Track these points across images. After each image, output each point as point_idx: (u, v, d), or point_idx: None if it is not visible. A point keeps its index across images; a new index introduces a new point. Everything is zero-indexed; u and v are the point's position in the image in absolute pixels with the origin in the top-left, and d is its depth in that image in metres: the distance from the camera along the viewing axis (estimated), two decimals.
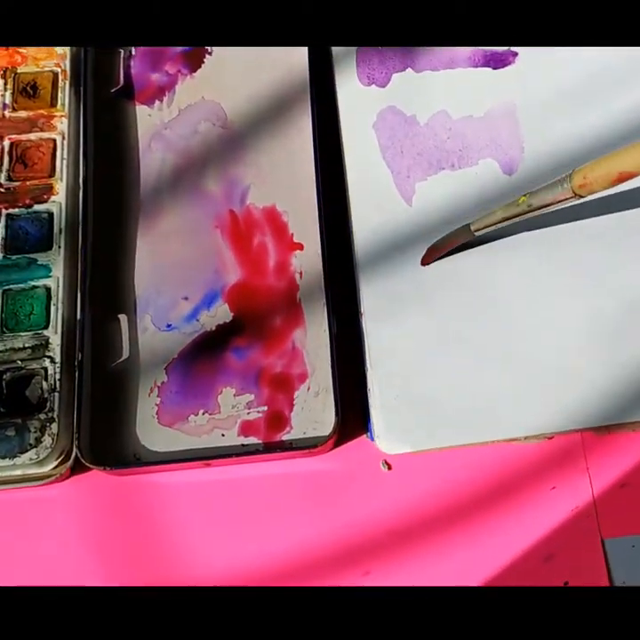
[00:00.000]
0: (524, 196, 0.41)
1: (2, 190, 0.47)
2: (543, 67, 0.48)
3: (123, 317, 0.46)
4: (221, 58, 0.51)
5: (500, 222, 0.42)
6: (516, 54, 0.48)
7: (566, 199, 0.40)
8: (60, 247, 0.46)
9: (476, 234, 0.43)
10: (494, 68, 0.48)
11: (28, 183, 0.47)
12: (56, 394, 0.43)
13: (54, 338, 0.44)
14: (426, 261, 0.45)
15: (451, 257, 0.45)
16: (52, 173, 0.48)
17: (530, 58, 0.48)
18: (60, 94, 0.49)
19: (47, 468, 0.43)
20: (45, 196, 0.47)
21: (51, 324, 0.45)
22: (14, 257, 0.46)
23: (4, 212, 0.46)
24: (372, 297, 0.44)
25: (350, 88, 0.49)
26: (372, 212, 0.46)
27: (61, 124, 0.48)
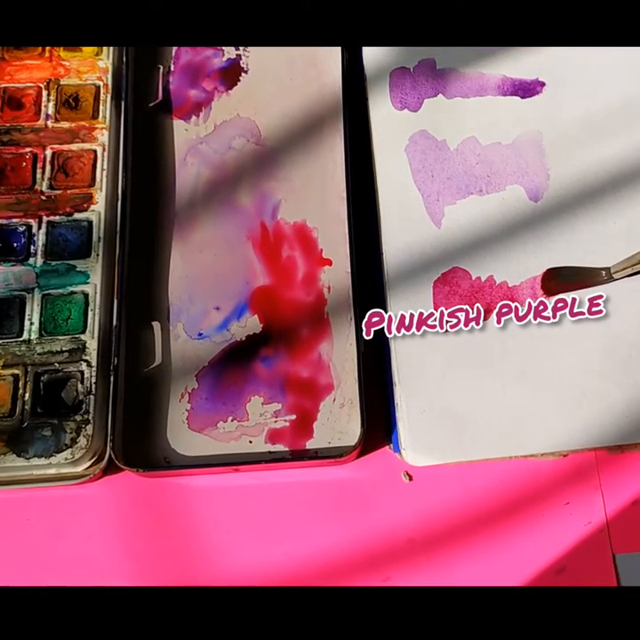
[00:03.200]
0: None
1: (43, 198, 0.49)
2: (569, 97, 0.50)
3: (156, 325, 0.48)
4: (257, 76, 0.53)
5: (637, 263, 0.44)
6: (543, 84, 0.50)
7: None
8: (98, 255, 0.47)
9: (615, 276, 0.45)
10: (522, 98, 0.50)
11: (68, 192, 0.49)
12: (91, 396, 0.45)
13: (91, 342, 0.46)
14: (552, 292, 0.46)
15: None
16: (92, 183, 0.49)
17: (556, 88, 0.50)
18: (101, 107, 0.51)
19: (81, 468, 0.44)
20: (85, 205, 0.49)
21: (88, 328, 0.46)
22: (54, 263, 0.47)
23: (45, 219, 0.48)
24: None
25: (383, 111, 0.50)
26: (403, 232, 0.48)
27: (102, 135, 0.50)
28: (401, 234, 0.48)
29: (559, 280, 0.46)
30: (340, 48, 0.52)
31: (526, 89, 0.50)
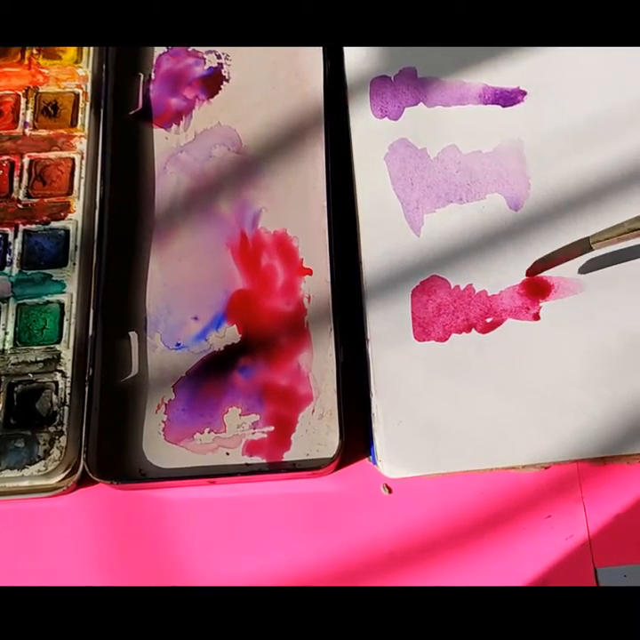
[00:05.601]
0: None
1: (20, 206, 0.48)
2: (550, 106, 0.50)
3: (133, 335, 0.47)
4: (238, 85, 0.53)
5: (624, 233, 0.42)
6: (524, 93, 0.50)
7: None
8: (74, 264, 0.47)
9: (594, 247, 0.43)
10: (503, 106, 0.50)
11: (45, 200, 0.48)
12: (66, 408, 0.44)
13: (66, 353, 0.45)
14: (532, 273, 0.46)
15: None
16: (69, 191, 0.49)
17: (538, 97, 0.50)
18: (80, 115, 0.50)
19: (54, 481, 0.44)
20: (62, 214, 0.48)
21: (63, 338, 0.45)
22: (30, 272, 0.47)
23: (21, 227, 0.48)
24: (379, 324, 0.46)
25: (364, 120, 0.50)
26: (382, 240, 0.47)
27: (80, 143, 0.50)
28: (380, 242, 0.47)
29: (541, 261, 0.46)
30: (321, 57, 0.52)
31: (507, 98, 0.50)
